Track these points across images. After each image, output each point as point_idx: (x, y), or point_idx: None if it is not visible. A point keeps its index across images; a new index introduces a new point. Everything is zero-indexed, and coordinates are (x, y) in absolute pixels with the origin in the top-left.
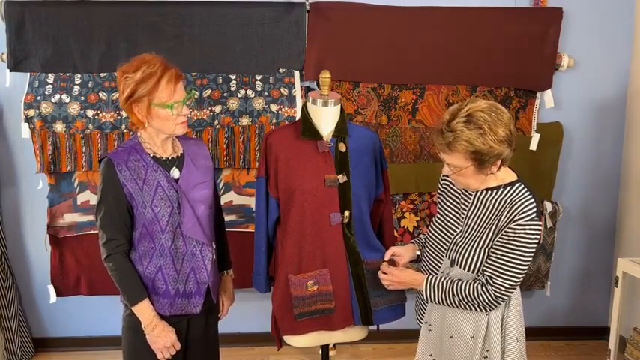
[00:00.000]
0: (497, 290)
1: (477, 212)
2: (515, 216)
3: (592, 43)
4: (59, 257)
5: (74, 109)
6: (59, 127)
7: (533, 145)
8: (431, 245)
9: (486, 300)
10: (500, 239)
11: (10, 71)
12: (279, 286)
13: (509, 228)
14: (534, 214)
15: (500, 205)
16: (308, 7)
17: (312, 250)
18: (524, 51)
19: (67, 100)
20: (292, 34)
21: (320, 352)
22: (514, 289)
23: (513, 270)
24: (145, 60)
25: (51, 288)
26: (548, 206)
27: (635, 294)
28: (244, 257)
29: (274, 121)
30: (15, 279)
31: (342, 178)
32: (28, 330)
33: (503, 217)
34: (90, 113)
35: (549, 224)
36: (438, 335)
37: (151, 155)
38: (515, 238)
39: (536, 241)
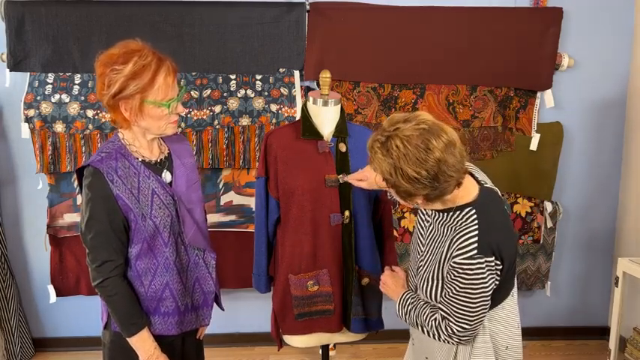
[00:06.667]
0: (451, 332)
1: (432, 236)
2: (453, 251)
3: (592, 43)
4: (59, 257)
5: (74, 109)
6: (59, 127)
7: (534, 145)
8: (409, 266)
9: (443, 338)
10: (447, 275)
11: (10, 71)
12: (279, 287)
13: (450, 265)
14: (473, 251)
15: (447, 233)
16: (308, 7)
17: (313, 251)
18: (524, 51)
19: (67, 100)
20: (292, 34)
21: (320, 352)
22: (472, 330)
23: (464, 313)
24: (134, 49)
25: (51, 288)
26: (548, 206)
27: (635, 294)
28: (244, 257)
29: (274, 121)
30: (15, 279)
31: (342, 178)
32: (27, 330)
33: (446, 248)
34: (90, 113)
35: (549, 224)
36: (418, 352)
37: (140, 159)
38: (458, 279)
39: (483, 279)
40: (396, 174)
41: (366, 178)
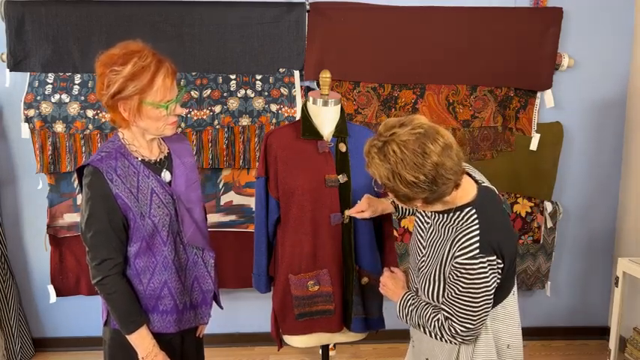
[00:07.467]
0: (455, 332)
1: (432, 237)
2: (455, 252)
3: (592, 43)
4: (59, 257)
5: (74, 109)
6: (59, 127)
7: (534, 145)
8: (409, 268)
9: (446, 338)
10: (450, 276)
11: (10, 71)
12: (279, 287)
13: (452, 265)
14: (475, 251)
15: (447, 234)
16: (308, 7)
17: (313, 251)
18: (524, 51)
19: (67, 100)
20: (292, 34)
21: (320, 352)
22: (476, 330)
23: (467, 312)
24: (134, 50)
25: (51, 288)
26: (548, 206)
27: (635, 294)
28: (244, 257)
29: (274, 121)
30: (15, 279)
31: (342, 178)
32: (28, 330)
33: (447, 249)
34: (90, 113)
35: (549, 224)
36: (418, 354)
37: (139, 159)
38: (461, 279)
39: (486, 279)
40: (394, 179)
41: (365, 208)
